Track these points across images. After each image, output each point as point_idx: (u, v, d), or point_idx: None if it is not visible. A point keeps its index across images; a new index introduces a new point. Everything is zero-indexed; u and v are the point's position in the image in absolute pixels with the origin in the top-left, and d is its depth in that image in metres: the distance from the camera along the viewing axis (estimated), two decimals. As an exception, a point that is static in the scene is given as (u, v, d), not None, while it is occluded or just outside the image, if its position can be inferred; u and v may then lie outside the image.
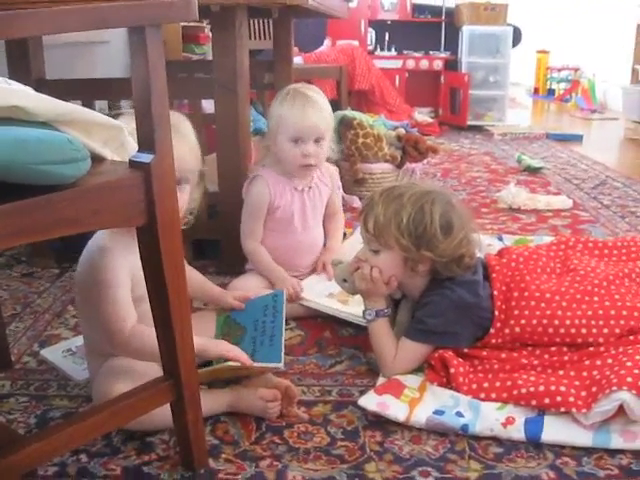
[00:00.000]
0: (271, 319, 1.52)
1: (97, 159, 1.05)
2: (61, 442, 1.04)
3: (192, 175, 1.47)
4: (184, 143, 1.43)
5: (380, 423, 1.37)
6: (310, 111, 1.88)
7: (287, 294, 1.82)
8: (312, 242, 2.05)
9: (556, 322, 1.50)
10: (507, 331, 1.53)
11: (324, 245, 2.09)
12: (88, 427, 1.07)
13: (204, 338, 1.35)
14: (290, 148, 1.90)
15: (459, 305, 1.50)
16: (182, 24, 4.01)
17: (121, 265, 1.28)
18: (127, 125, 1.12)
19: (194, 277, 1.63)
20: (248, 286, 1.86)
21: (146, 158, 1.02)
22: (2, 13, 0.80)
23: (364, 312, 1.59)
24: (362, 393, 1.45)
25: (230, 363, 1.35)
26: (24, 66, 2.09)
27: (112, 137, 1.10)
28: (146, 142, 1.03)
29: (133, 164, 1.03)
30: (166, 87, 1.02)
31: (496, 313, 1.54)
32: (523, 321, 1.52)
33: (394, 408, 1.37)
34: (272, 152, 1.97)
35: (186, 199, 1.46)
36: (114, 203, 0.99)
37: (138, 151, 1.04)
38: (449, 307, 1.50)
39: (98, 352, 1.38)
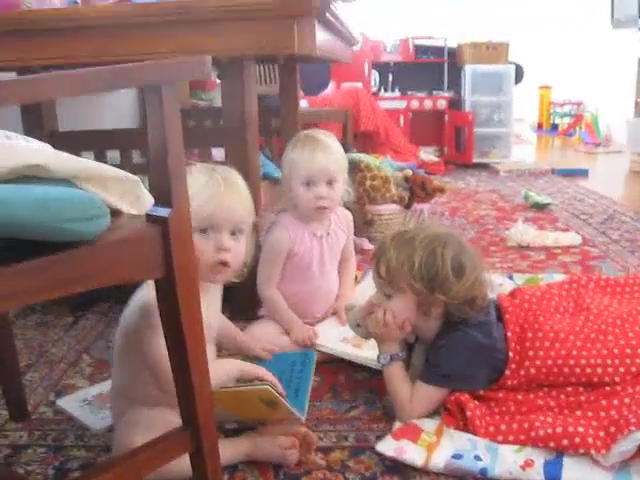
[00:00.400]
0: (297, 375, 1.52)
1: (114, 213, 1.07)
2: (81, 497, 1.04)
3: (246, 226, 1.48)
4: (237, 195, 1.45)
5: (398, 468, 1.36)
6: (320, 154, 1.92)
7: (302, 341, 1.83)
8: (328, 288, 2.07)
9: (571, 362, 1.50)
10: (522, 372, 1.52)
11: None
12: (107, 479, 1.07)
13: (242, 362, 1.40)
14: (303, 192, 1.93)
15: (473, 347, 1.50)
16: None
17: None
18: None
19: (222, 324, 1.64)
20: (265, 332, 1.87)
21: (163, 212, 1.04)
22: (22, 78, 0.83)
23: (378, 356, 1.59)
24: (379, 438, 1.45)
25: (259, 387, 1.36)
26: (37, 118, 2.13)
27: (128, 190, 1.11)
28: (163, 196, 1.05)
29: (150, 218, 1.05)
30: (182, 142, 1.04)
31: (510, 354, 1.54)
32: (538, 362, 1.52)
33: (412, 453, 1.37)
34: (288, 198, 1.99)
35: (242, 250, 1.47)
36: (133, 257, 1.01)
37: (155, 205, 1.06)
38: (463, 350, 1.50)
39: (129, 397, 1.38)
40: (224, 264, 1.42)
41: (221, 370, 1.39)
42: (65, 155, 1.04)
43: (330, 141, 1.97)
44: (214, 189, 1.41)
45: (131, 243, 1.01)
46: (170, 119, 1.02)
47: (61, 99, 2.32)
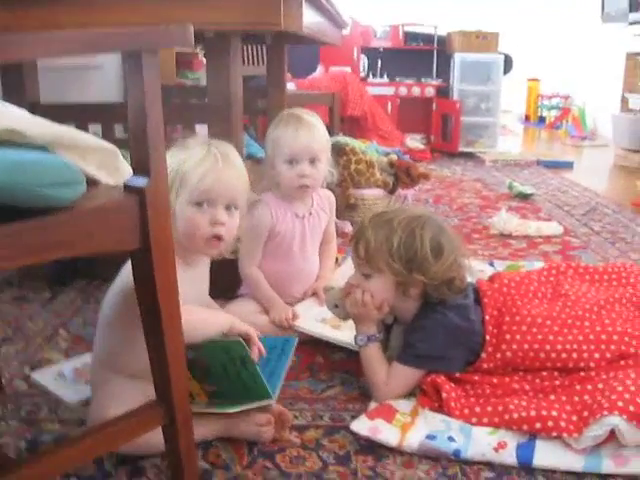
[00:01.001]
0: (275, 359, 1.51)
1: (91, 183, 1.05)
2: (52, 466, 1.03)
3: (241, 201, 1.47)
4: (234, 170, 1.46)
5: (372, 448, 1.37)
6: (304, 132, 1.91)
7: (279, 321, 1.83)
8: (309, 269, 2.06)
9: (547, 347, 1.51)
10: (499, 356, 1.53)
11: None
12: (79, 451, 1.06)
13: (234, 318, 1.41)
14: (286, 169, 1.93)
15: (450, 329, 1.50)
16: (176, 50, 4.04)
17: None
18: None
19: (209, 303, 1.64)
20: (243, 311, 1.86)
21: (141, 182, 1.02)
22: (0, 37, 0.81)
23: (356, 337, 1.59)
24: (354, 418, 1.45)
25: (232, 339, 1.36)
26: (19, 89, 2.11)
27: (107, 161, 1.10)
28: (141, 166, 1.04)
29: (128, 188, 1.04)
30: (162, 112, 1.03)
31: (487, 337, 1.54)
32: (514, 346, 1.52)
33: (386, 433, 1.37)
34: (270, 177, 1.99)
35: (236, 224, 1.47)
36: (108, 227, 1.00)
37: (133, 175, 1.05)
38: (440, 331, 1.50)
39: (110, 367, 1.37)
40: (218, 238, 1.42)
41: (213, 322, 1.39)
42: (43, 121, 1.03)
43: (314, 120, 1.96)
44: (212, 164, 1.42)
45: (107, 212, 1.00)
46: (150, 88, 1.01)
47: (45, 70, 2.29)
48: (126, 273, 1.35)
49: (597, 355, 1.49)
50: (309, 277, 2.06)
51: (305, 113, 1.98)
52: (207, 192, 1.41)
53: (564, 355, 1.50)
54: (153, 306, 1.06)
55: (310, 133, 1.91)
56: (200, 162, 1.41)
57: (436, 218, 1.58)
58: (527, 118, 8.51)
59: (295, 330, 1.84)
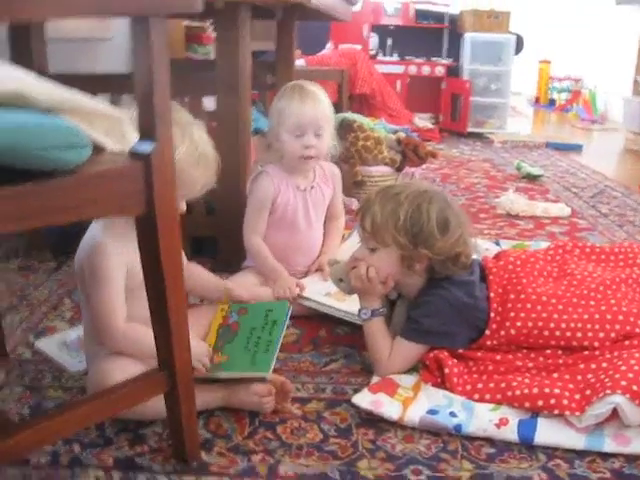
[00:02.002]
0: (269, 331, 1.51)
1: (98, 149, 1.05)
2: (53, 430, 1.04)
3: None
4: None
5: (373, 421, 1.37)
6: (309, 104, 1.91)
7: (284, 294, 1.82)
8: (313, 242, 2.06)
9: (552, 325, 1.50)
10: (502, 333, 1.53)
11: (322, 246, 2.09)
12: (81, 416, 1.07)
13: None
14: (291, 140, 1.92)
15: (455, 305, 1.50)
16: (185, 24, 4.01)
17: (115, 261, 1.30)
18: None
19: (199, 271, 1.64)
20: (245, 283, 1.86)
21: (146, 148, 1.02)
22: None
23: (360, 311, 1.59)
24: (356, 391, 1.45)
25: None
26: (26, 59, 2.10)
27: (113, 127, 1.10)
28: (147, 132, 1.03)
29: (133, 154, 1.03)
30: (168, 78, 1.02)
31: (492, 315, 1.54)
32: (519, 323, 1.52)
33: (388, 407, 1.37)
34: (274, 149, 1.98)
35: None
36: (113, 192, 0.99)
37: (138, 141, 1.04)
38: (445, 307, 1.50)
39: (97, 340, 1.38)
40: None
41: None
42: (49, 84, 1.02)
43: (319, 92, 1.96)
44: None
45: (112, 177, 0.99)
46: (158, 54, 1.00)
47: (54, 42, 2.28)
48: (87, 240, 1.35)
49: (602, 334, 1.48)
50: (312, 251, 2.06)
51: (309, 84, 1.98)
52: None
53: (568, 334, 1.49)
54: (157, 272, 1.07)
55: (315, 105, 1.91)
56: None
57: (443, 194, 1.58)
58: (537, 100, 8.44)
59: (300, 303, 1.84)
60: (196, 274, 1.62)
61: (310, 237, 2.04)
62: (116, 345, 1.32)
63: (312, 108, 1.90)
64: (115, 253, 1.29)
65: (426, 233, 1.47)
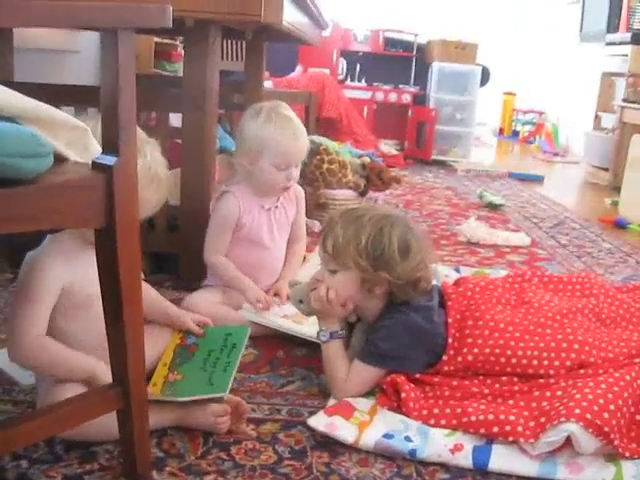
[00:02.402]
0: (227, 354, 1.50)
1: (60, 159, 1.04)
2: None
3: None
4: (302, 139, 1.91)
5: (328, 444, 1.36)
6: (301, 139, 1.92)
7: (258, 299, 1.82)
8: (276, 261, 2.05)
9: (508, 352, 1.51)
10: (460, 359, 1.53)
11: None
12: (29, 430, 1.04)
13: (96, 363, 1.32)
14: (274, 172, 1.91)
15: (413, 330, 1.51)
16: (155, 40, 4.01)
17: (49, 278, 1.26)
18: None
19: (151, 294, 1.58)
20: (204, 300, 1.84)
21: (109, 160, 1.01)
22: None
23: (318, 333, 1.58)
24: (312, 414, 1.44)
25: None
26: (-8, 66, 2.08)
27: (76, 138, 1.09)
28: (110, 144, 1.02)
29: (96, 166, 1.02)
30: (134, 91, 1.02)
31: (450, 340, 1.54)
32: (476, 350, 1.53)
33: (343, 430, 1.36)
34: (243, 170, 1.96)
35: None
36: (74, 203, 0.98)
37: (102, 153, 1.04)
38: (403, 332, 1.50)
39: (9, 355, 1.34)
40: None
41: (76, 365, 1.31)
42: (12, 92, 1.01)
43: (300, 122, 1.97)
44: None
45: (73, 188, 0.98)
46: (125, 66, 1.00)
47: (22, 52, 2.26)
48: (26, 258, 1.31)
49: (557, 363, 1.50)
50: (275, 269, 2.05)
51: (289, 111, 1.97)
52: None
53: (524, 361, 1.51)
54: (114, 286, 1.05)
55: (304, 139, 1.93)
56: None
57: (406, 218, 1.59)
58: (501, 131, 8.58)
59: (257, 323, 1.82)
60: (145, 294, 1.58)
61: (273, 256, 2.03)
62: (25, 361, 1.28)
63: (302, 143, 1.92)
64: (52, 270, 1.26)
65: (387, 257, 1.48)
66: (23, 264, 1.31)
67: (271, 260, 2.03)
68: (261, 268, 2.00)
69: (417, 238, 1.53)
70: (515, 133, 8.32)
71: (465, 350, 1.53)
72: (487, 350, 1.52)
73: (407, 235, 1.51)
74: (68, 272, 1.26)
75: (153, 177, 1.40)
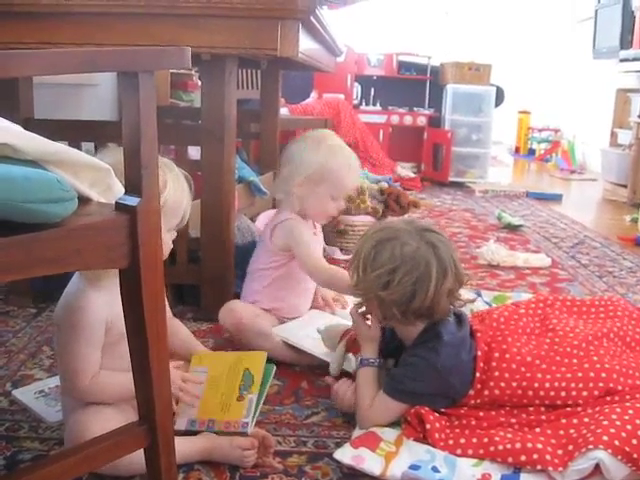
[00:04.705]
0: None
1: (83, 200, 1.05)
2: (30, 485, 1.01)
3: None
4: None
5: (355, 476, 1.35)
6: (356, 174, 1.99)
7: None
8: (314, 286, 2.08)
9: (535, 385, 1.50)
10: (486, 392, 1.51)
11: None
12: (58, 470, 1.04)
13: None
14: (329, 202, 1.95)
15: (440, 372, 1.46)
16: (171, 71, 4.05)
17: (95, 318, 1.28)
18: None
19: (181, 332, 1.63)
20: (245, 310, 1.90)
21: (132, 201, 1.02)
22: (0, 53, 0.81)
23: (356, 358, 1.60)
24: (338, 445, 1.44)
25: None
26: (13, 104, 2.10)
27: (99, 179, 1.10)
28: (133, 185, 1.03)
29: (119, 206, 1.03)
30: (156, 133, 1.03)
31: (477, 374, 1.52)
32: (503, 384, 1.51)
33: (370, 461, 1.35)
34: (296, 197, 1.95)
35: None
36: (98, 244, 0.99)
37: (125, 194, 1.05)
38: (429, 373, 1.47)
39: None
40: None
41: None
42: (35, 136, 1.02)
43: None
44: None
45: (97, 230, 0.99)
46: (146, 109, 1.01)
47: (40, 87, 2.29)
48: (65, 295, 1.33)
49: (585, 393, 1.48)
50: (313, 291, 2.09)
51: (344, 142, 2.02)
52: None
53: (552, 393, 1.49)
54: (139, 325, 1.06)
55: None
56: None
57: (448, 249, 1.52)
58: (517, 150, 8.58)
59: (290, 343, 1.83)
60: (175, 331, 1.60)
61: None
62: (83, 399, 1.32)
63: (357, 179, 2.00)
64: (95, 309, 1.28)
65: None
66: (62, 303, 1.32)
67: (313, 285, 2.06)
68: (305, 291, 2.04)
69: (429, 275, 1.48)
70: (531, 151, 8.32)
71: (492, 384, 1.51)
72: (514, 384, 1.50)
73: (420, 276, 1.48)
74: (109, 309, 1.28)
75: (183, 184, 1.46)
